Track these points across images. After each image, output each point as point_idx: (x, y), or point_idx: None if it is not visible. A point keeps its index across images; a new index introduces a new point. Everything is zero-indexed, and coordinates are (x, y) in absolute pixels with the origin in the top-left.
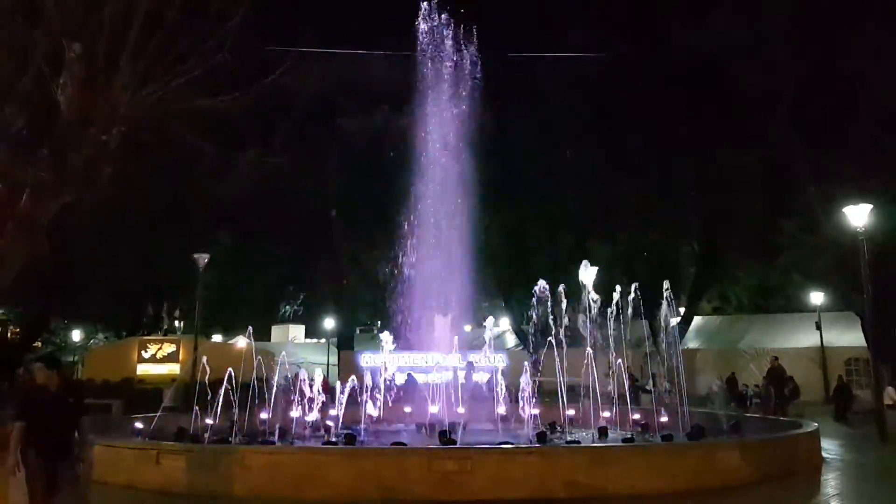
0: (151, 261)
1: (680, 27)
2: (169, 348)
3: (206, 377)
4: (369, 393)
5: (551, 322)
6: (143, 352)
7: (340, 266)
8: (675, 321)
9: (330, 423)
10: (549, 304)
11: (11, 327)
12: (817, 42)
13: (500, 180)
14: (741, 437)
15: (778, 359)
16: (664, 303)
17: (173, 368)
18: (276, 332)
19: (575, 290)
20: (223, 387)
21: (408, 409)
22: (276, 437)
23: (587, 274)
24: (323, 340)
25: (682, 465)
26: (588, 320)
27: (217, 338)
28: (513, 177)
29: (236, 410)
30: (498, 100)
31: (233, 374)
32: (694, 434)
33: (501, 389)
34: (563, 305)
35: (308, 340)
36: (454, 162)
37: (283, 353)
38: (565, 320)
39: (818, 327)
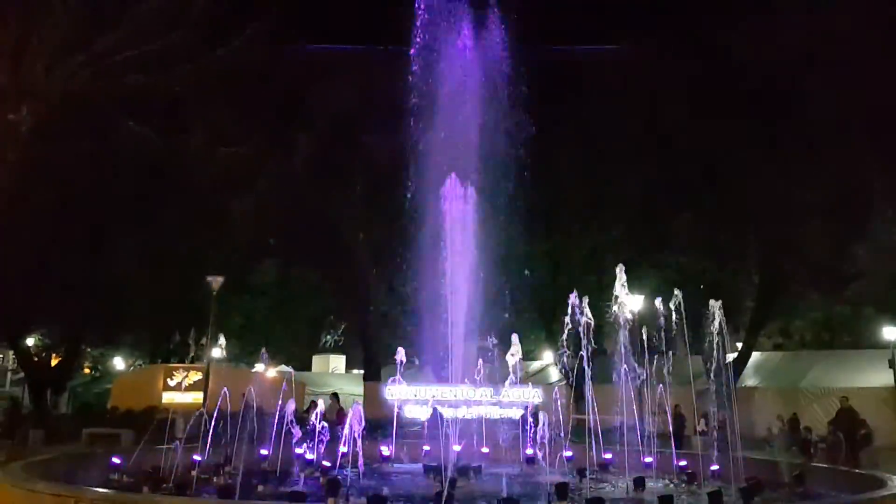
0: (190, 288)
1: (740, 40)
2: (195, 376)
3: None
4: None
5: (584, 345)
6: (168, 379)
7: (367, 293)
8: (731, 357)
9: (327, 462)
10: (582, 322)
11: (54, 354)
12: (889, 50)
13: (543, 206)
14: (806, 490)
15: (848, 399)
16: (715, 324)
17: (199, 397)
18: (317, 361)
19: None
20: (209, 417)
21: (427, 448)
22: (250, 478)
23: (623, 290)
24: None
25: None
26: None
27: (259, 367)
28: (556, 202)
29: (232, 445)
30: (538, 120)
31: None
32: (749, 490)
33: (530, 427)
34: (586, 317)
35: (357, 371)
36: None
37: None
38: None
39: (891, 365)
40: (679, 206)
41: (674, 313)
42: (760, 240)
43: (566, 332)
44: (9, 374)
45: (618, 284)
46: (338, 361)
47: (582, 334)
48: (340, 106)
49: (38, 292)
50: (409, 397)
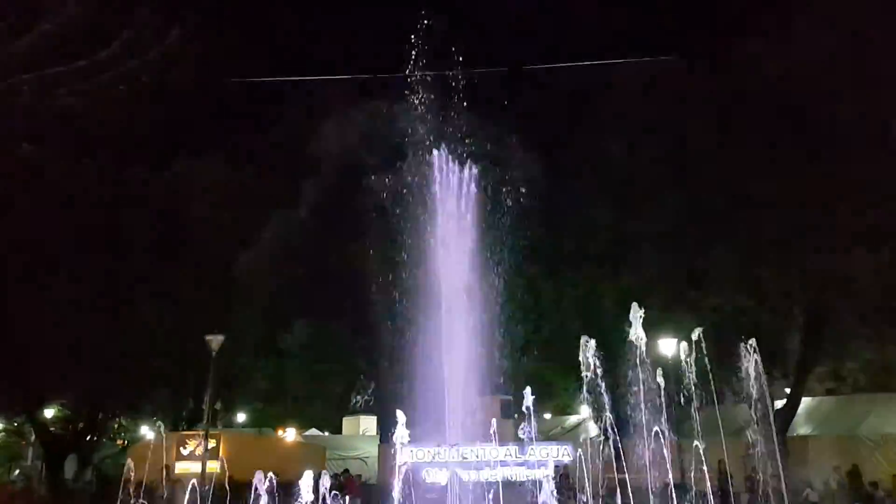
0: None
1: (764, 56)
2: (210, 444)
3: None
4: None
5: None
6: (181, 448)
7: (381, 349)
8: (779, 403)
9: None
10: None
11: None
12: None
13: (568, 249)
14: None
15: None
16: (751, 365)
17: (212, 465)
18: (347, 424)
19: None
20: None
21: None
22: None
23: (637, 325)
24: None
25: None
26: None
27: (291, 432)
28: (582, 244)
29: None
30: (555, 154)
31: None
32: None
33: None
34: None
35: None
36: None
37: None
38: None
39: None
40: (712, 241)
41: (705, 354)
42: (801, 273)
43: (585, 379)
44: (31, 449)
45: (633, 329)
46: (368, 423)
47: (600, 381)
48: (344, 148)
49: (54, 361)
50: (426, 459)
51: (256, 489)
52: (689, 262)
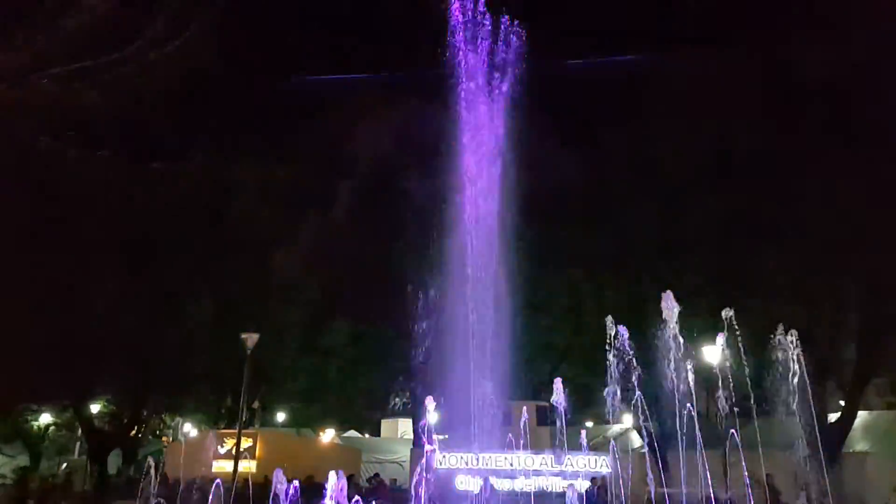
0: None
1: (822, 46)
2: (245, 443)
3: None
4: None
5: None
6: (219, 447)
7: (416, 348)
8: (833, 417)
9: None
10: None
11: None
12: None
13: (610, 252)
14: None
15: None
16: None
17: (249, 465)
18: (386, 426)
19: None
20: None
21: None
22: None
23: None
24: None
25: None
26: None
27: (329, 433)
28: (625, 248)
29: None
30: (596, 152)
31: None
32: None
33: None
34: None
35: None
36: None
37: None
38: None
39: None
40: (761, 244)
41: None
42: (856, 278)
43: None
44: (78, 444)
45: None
46: (407, 426)
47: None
48: (379, 150)
49: (99, 357)
50: (458, 466)
51: (275, 488)
52: (737, 267)
